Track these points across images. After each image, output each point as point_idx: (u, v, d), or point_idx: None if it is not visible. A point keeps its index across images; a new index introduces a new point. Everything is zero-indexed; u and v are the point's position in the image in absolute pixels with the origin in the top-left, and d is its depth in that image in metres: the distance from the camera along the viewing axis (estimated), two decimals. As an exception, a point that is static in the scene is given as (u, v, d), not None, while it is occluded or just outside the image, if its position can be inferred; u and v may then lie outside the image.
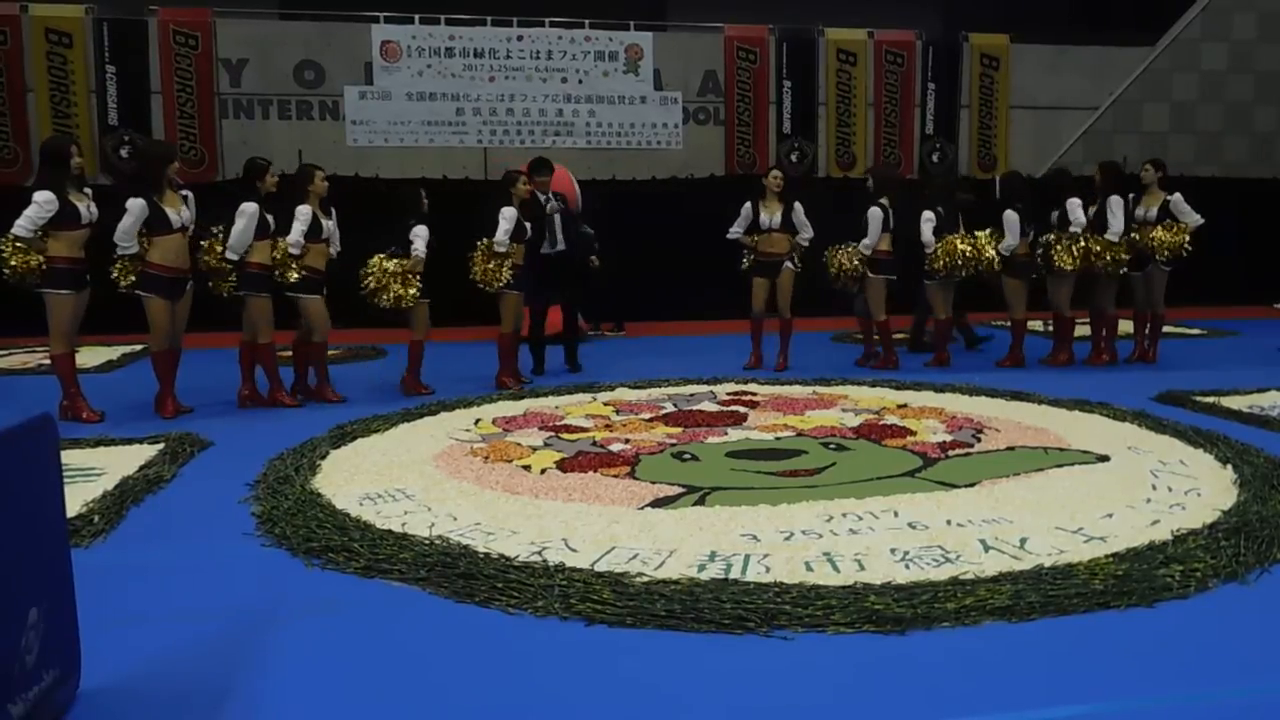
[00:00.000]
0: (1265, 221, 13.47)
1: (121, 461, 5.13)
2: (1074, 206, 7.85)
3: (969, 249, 7.86)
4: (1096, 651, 2.88)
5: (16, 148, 11.66)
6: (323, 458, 5.23)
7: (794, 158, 13.32)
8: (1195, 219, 7.95)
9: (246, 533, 4.05)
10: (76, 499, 4.30)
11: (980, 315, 9.91)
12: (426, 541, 3.81)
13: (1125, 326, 8.66)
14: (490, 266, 7.20)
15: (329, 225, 6.87)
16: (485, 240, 7.18)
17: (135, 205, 6.07)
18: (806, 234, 8.07)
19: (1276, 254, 13.44)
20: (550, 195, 8.17)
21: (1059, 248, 7.84)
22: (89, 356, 9.14)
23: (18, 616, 2.31)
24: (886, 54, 13.55)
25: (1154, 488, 4.52)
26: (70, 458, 4.68)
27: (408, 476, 4.88)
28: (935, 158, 13.70)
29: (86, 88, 11.79)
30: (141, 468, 4.99)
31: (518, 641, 3.00)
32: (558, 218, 8.16)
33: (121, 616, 3.15)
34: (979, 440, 5.57)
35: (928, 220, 8.03)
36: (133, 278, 6.16)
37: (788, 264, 8.10)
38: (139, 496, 4.53)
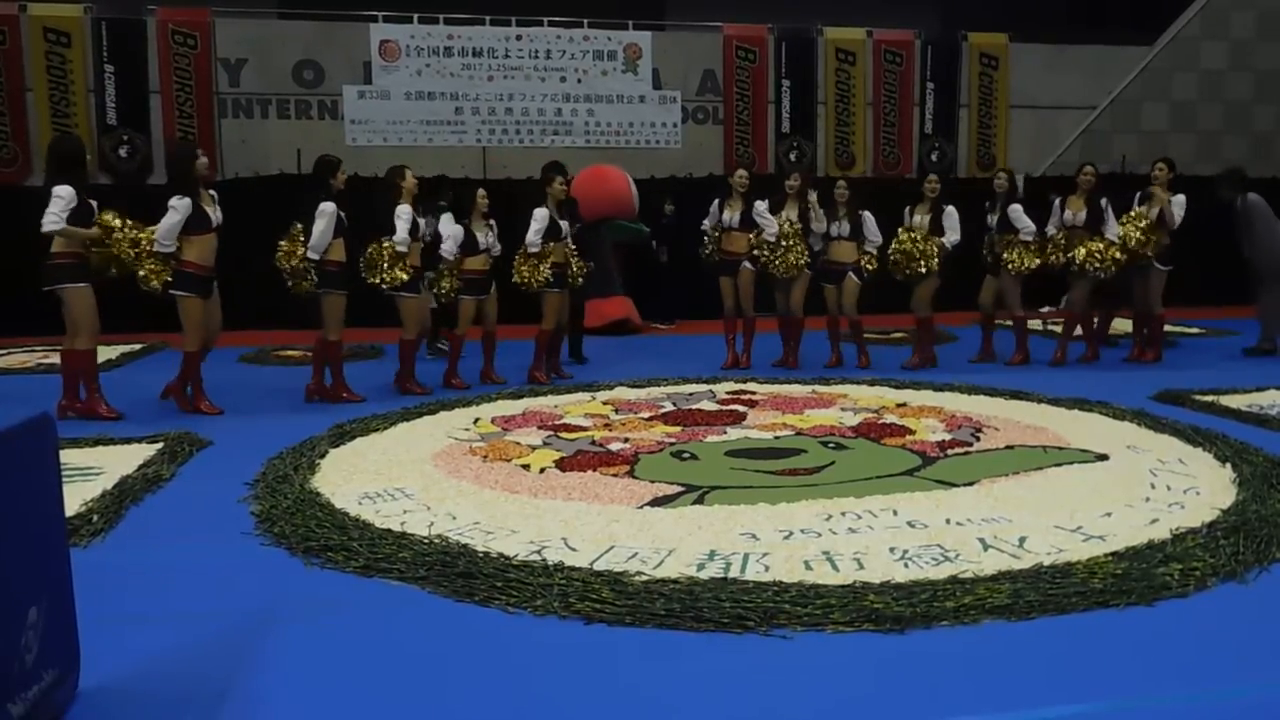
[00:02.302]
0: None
1: (120, 461, 5.12)
2: (1017, 213, 7.83)
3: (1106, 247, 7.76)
4: (1096, 650, 2.88)
5: (15, 147, 11.66)
6: (322, 457, 5.22)
7: (793, 157, 13.33)
8: (1173, 227, 7.94)
9: (246, 532, 4.05)
10: (75, 498, 4.30)
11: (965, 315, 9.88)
12: (426, 541, 3.81)
13: (1121, 325, 8.67)
14: (526, 268, 7.32)
15: (423, 223, 7.08)
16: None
17: (181, 204, 6.10)
18: (770, 230, 7.96)
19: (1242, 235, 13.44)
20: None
21: (1015, 252, 7.80)
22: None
23: (17, 616, 2.31)
24: (885, 53, 13.56)
25: (1153, 486, 4.52)
26: (69, 457, 4.68)
27: (407, 476, 4.88)
28: (934, 157, 13.70)
29: (85, 87, 11.80)
30: (140, 467, 4.99)
31: (517, 641, 2.99)
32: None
33: (121, 616, 3.15)
34: (978, 439, 5.56)
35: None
36: (168, 278, 6.17)
37: (745, 264, 8.08)
38: (138, 496, 4.53)
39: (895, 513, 4.15)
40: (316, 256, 6.54)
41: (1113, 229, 7.80)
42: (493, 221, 7.52)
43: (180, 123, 11.94)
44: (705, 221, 8.29)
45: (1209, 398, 6.55)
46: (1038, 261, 7.87)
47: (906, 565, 3.52)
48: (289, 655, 2.91)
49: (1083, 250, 7.74)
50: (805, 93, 13.43)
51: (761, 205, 8.01)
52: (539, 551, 3.70)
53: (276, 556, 3.77)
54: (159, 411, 6.49)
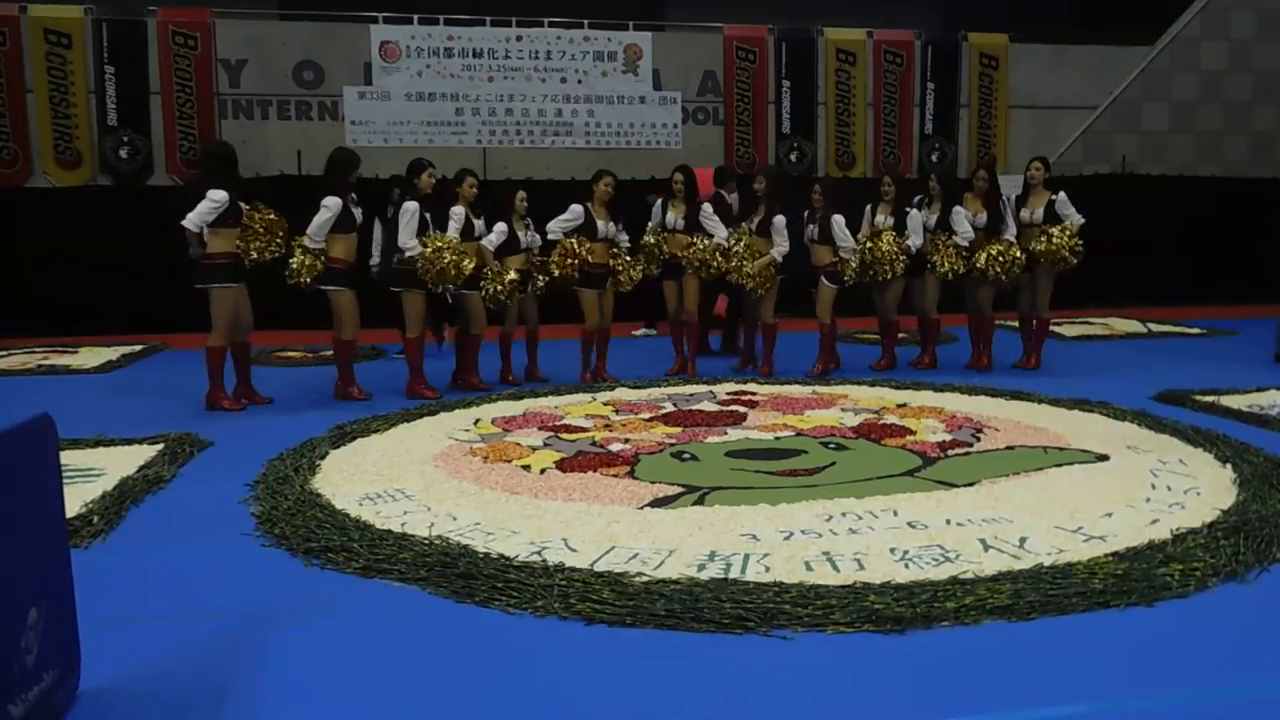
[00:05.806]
0: (1266, 221, 13.47)
1: (121, 462, 5.13)
2: (959, 217, 7.72)
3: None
4: (1096, 651, 2.88)
5: (16, 148, 11.65)
6: (322, 458, 5.22)
7: (793, 157, 13.32)
8: (1078, 219, 7.78)
9: (246, 533, 4.05)
10: (76, 499, 4.30)
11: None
12: (426, 541, 3.81)
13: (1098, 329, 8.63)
14: (555, 259, 7.41)
15: (480, 224, 7.27)
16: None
17: (334, 203, 6.52)
18: (719, 234, 7.73)
19: (1277, 253, 13.43)
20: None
21: (943, 254, 7.69)
22: (88, 357, 9.15)
23: (18, 616, 2.31)
24: (885, 54, 13.56)
25: (1153, 487, 4.53)
26: (70, 458, 4.67)
27: (407, 476, 4.88)
28: (934, 157, 13.70)
29: (86, 88, 11.79)
30: (141, 468, 4.99)
31: (517, 641, 3.00)
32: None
33: (121, 616, 3.15)
34: (978, 439, 5.57)
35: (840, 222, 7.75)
36: (319, 269, 6.51)
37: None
38: (138, 497, 4.53)
39: (896, 513, 4.15)
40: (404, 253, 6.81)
41: (1011, 230, 7.69)
42: (529, 220, 7.56)
43: (180, 123, 11.94)
44: (650, 225, 7.98)
45: (1209, 398, 6.55)
46: (963, 268, 7.72)
47: (907, 566, 3.52)
48: (289, 655, 2.91)
49: (984, 255, 7.60)
50: (805, 93, 13.43)
51: (708, 208, 7.84)
52: (539, 552, 3.70)
53: (277, 557, 3.77)
54: (160, 412, 6.50)
